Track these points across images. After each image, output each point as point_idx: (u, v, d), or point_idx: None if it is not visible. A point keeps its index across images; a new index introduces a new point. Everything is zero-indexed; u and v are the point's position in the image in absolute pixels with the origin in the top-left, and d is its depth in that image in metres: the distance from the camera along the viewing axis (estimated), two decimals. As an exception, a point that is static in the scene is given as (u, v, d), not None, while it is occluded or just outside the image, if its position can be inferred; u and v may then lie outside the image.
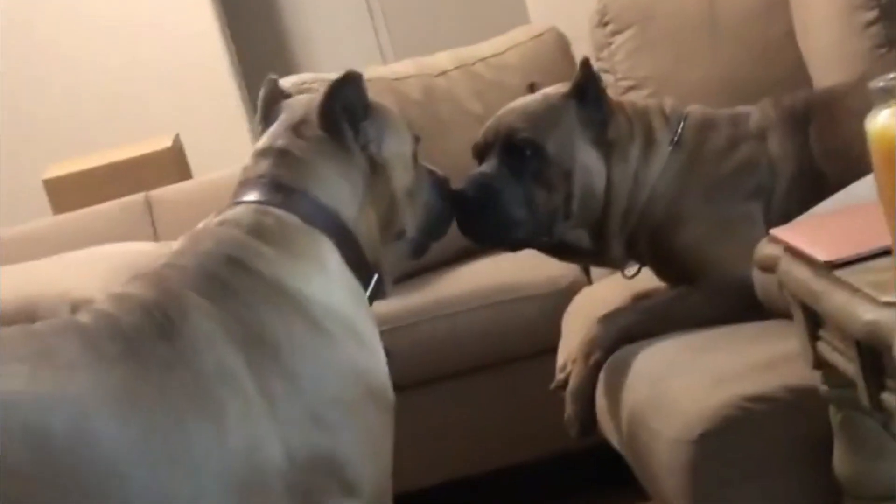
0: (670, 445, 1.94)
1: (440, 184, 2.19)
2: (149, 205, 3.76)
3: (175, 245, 1.96)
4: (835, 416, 1.67)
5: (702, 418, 1.89)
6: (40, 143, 5.27)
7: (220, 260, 1.86)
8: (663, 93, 2.96)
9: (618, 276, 2.49)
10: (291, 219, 1.92)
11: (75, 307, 3.07)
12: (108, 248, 3.41)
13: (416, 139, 2.14)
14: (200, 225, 1.97)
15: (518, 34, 3.67)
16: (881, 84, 1.30)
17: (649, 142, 2.37)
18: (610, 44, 3.31)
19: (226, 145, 5.13)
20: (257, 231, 1.90)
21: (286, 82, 3.18)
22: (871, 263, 1.41)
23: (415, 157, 2.12)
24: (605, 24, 3.33)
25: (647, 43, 3.22)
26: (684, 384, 2.01)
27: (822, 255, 1.46)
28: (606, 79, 3.30)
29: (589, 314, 2.49)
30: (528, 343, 3.01)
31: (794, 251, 1.57)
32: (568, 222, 2.34)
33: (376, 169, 2.02)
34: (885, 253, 1.38)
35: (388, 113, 2.09)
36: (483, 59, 3.59)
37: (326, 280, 1.91)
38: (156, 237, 3.66)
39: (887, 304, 1.27)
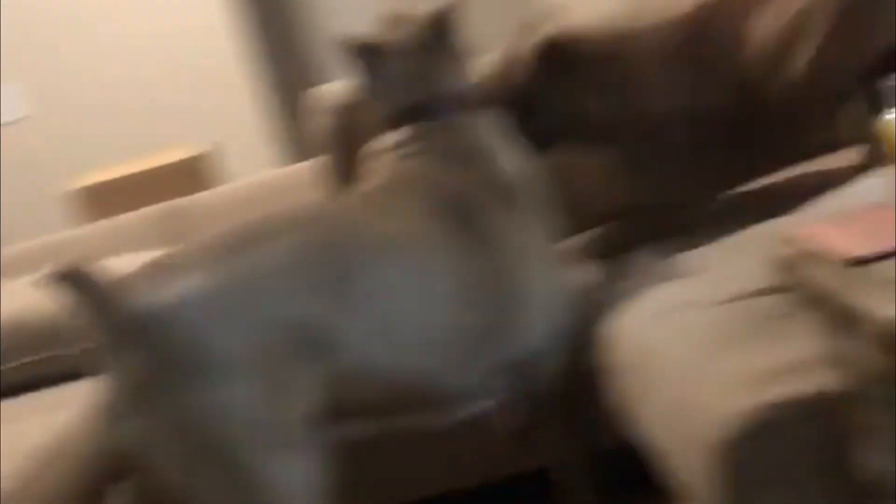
0: (703, 449, 1.93)
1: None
2: (175, 214, 3.77)
3: None
4: (861, 415, 1.67)
5: (730, 423, 1.88)
6: (69, 154, 5.31)
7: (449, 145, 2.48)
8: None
9: None
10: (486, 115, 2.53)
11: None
12: (136, 258, 3.43)
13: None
14: None
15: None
16: (890, 82, 1.30)
17: None
18: None
19: (252, 155, 5.16)
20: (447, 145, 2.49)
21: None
22: (893, 261, 1.41)
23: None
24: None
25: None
26: (711, 386, 2.01)
27: (844, 252, 1.46)
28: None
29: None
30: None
31: (814, 249, 1.57)
32: None
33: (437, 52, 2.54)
34: (907, 250, 1.38)
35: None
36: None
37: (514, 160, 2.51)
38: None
39: (910, 301, 1.27)
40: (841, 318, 1.57)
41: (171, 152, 4.44)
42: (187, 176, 4.21)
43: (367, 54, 2.52)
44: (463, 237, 2.34)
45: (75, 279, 2.01)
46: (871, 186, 1.72)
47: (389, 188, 2.43)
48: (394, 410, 2.30)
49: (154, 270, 2.11)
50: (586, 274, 2.74)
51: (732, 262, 2.54)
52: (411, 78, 2.50)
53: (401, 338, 2.22)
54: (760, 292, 2.28)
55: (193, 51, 5.43)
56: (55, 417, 2.61)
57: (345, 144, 3.12)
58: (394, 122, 2.52)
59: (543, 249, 2.47)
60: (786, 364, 1.96)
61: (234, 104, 5.45)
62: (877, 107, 1.30)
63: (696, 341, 2.20)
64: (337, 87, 3.26)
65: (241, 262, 2.11)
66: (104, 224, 3.82)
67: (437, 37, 2.50)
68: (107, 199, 4.12)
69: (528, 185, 2.49)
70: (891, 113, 1.28)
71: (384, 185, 2.44)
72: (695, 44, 2.82)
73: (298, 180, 3.60)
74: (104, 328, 2.01)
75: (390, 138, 2.51)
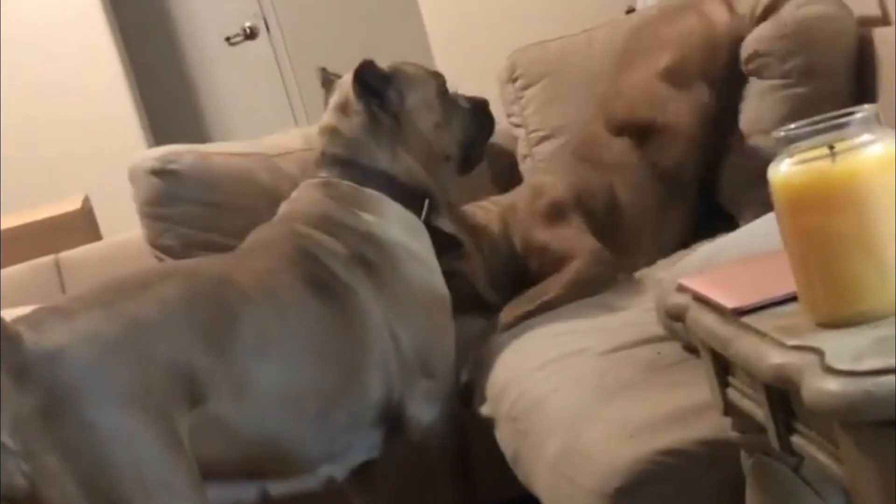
0: (588, 498, 1.95)
1: (475, 104, 2.80)
2: (58, 267, 3.72)
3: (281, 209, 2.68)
4: (746, 461, 1.69)
5: (617, 472, 1.91)
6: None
7: (304, 221, 2.57)
8: (577, 141, 3.05)
9: None
10: (347, 185, 2.61)
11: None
12: (17, 312, 3.36)
13: (438, 77, 2.75)
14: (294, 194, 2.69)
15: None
16: (783, 133, 1.33)
17: None
18: (520, 98, 3.35)
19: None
20: (329, 196, 2.60)
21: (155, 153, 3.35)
22: (777, 309, 1.44)
23: (440, 93, 2.72)
24: (515, 80, 3.37)
25: (558, 95, 3.28)
26: (598, 435, 2.03)
27: (729, 303, 1.49)
28: (517, 132, 3.35)
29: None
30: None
31: (701, 299, 1.59)
32: None
33: (402, 119, 2.65)
34: (791, 299, 1.41)
35: (405, 72, 2.72)
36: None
37: (385, 223, 2.58)
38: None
39: (795, 348, 1.30)
40: (728, 367, 1.60)
41: (55, 205, 4.37)
42: (72, 228, 4.15)
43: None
44: (324, 297, 2.42)
45: None
46: (759, 234, 1.76)
47: (265, 246, 2.53)
48: (255, 471, 2.31)
49: (44, 314, 2.15)
50: (474, 327, 2.77)
51: (623, 310, 2.58)
52: (355, 136, 2.65)
53: (262, 392, 2.26)
54: (648, 341, 2.31)
55: (80, 102, 5.38)
56: None
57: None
58: (319, 164, 2.68)
59: (417, 310, 2.55)
60: (672, 412, 1.99)
61: (119, 156, 5.38)
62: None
63: (583, 390, 2.22)
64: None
65: (130, 305, 2.17)
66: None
67: (399, 120, 2.65)
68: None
69: (413, 258, 2.60)
70: (784, 162, 1.31)
71: (261, 242, 2.56)
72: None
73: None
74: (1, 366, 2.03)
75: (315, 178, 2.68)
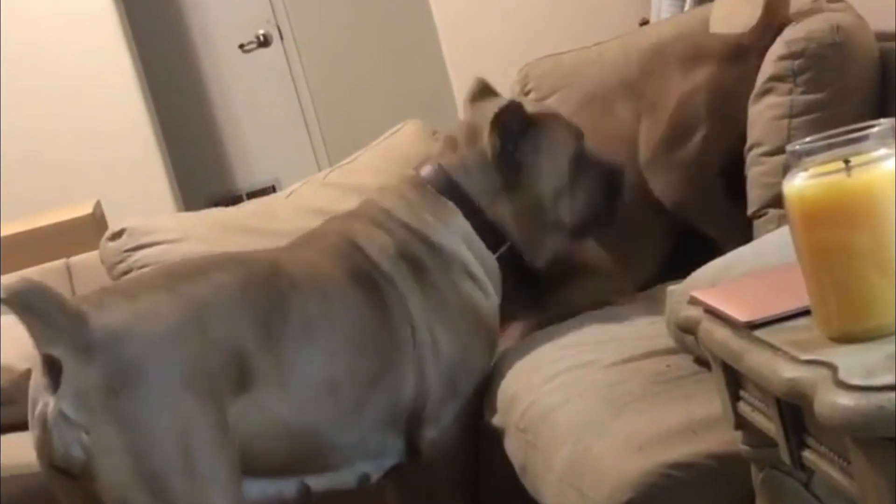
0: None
1: (608, 172, 2.73)
2: (69, 272, 3.73)
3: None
4: (756, 476, 1.69)
5: (627, 485, 1.91)
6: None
7: (377, 209, 2.65)
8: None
9: None
10: (437, 196, 2.65)
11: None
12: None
13: (579, 137, 2.71)
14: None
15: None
16: (797, 146, 1.33)
17: None
18: None
19: (147, 213, 5.10)
20: (408, 194, 2.67)
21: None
22: (790, 323, 1.43)
23: (576, 157, 2.69)
24: (527, 93, 3.36)
25: (570, 108, 3.27)
26: (607, 447, 2.03)
27: (741, 316, 1.48)
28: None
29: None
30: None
31: (714, 313, 1.59)
32: None
33: (524, 174, 2.65)
34: (804, 313, 1.41)
35: (548, 129, 2.69)
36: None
37: (448, 232, 2.62)
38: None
39: (808, 362, 1.29)
40: (740, 380, 1.60)
41: (67, 209, 4.38)
42: (83, 233, 4.16)
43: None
44: (366, 289, 2.49)
45: (29, 295, 2.08)
46: (772, 247, 1.76)
47: (314, 238, 2.62)
48: (295, 462, 2.38)
49: (106, 295, 2.23)
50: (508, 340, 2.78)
51: (632, 322, 2.57)
52: (468, 163, 2.68)
53: (304, 379, 2.35)
54: (657, 353, 2.31)
55: (94, 108, 5.39)
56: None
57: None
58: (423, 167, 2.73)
59: (459, 324, 2.58)
60: (682, 425, 1.99)
61: (132, 163, 5.41)
62: (785, 170, 1.33)
63: (592, 402, 2.21)
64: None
65: (190, 289, 2.26)
66: (-4, 280, 3.75)
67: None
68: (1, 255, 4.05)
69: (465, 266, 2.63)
70: (798, 175, 1.31)
71: (314, 234, 2.64)
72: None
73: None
74: (57, 343, 2.10)
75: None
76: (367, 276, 2.51)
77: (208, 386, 2.18)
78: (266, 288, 2.36)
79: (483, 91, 2.79)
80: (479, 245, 2.65)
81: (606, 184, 2.73)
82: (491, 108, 2.66)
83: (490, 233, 2.65)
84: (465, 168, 2.67)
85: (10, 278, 3.70)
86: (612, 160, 2.75)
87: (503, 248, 2.66)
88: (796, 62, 2.66)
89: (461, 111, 5.00)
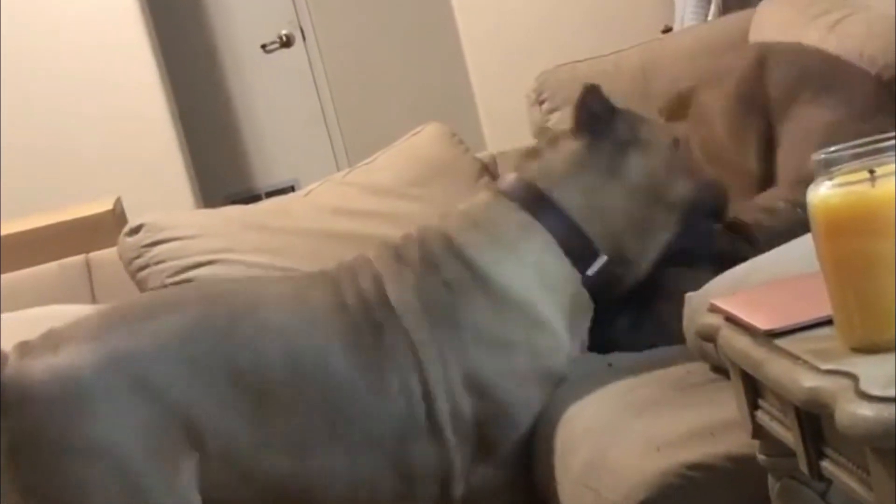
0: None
1: (706, 189, 2.42)
2: (88, 267, 3.73)
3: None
4: (773, 485, 1.68)
5: (643, 485, 1.91)
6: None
7: (439, 236, 2.34)
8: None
9: None
10: (518, 213, 2.35)
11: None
12: (46, 310, 3.38)
13: (675, 142, 2.42)
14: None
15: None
16: (823, 156, 1.32)
17: None
18: (547, 122, 3.34)
19: (166, 211, 5.11)
20: (481, 218, 2.36)
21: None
22: (811, 333, 1.42)
23: (670, 156, 2.39)
24: (542, 103, 3.36)
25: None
26: (626, 448, 2.03)
27: (762, 324, 1.48)
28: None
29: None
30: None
31: (734, 320, 1.58)
32: None
33: (613, 162, 2.35)
34: (826, 322, 1.40)
35: (636, 117, 2.41)
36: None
37: (518, 269, 2.29)
38: (94, 300, 3.63)
39: (829, 372, 1.29)
40: (758, 389, 1.59)
41: (87, 205, 4.39)
42: (103, 229, 4.17)
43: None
44: (361, 354, 2.22)
45: None
46: (794, 256, 1.75)
47: (325, 275, 2.36)
48: None
49: (41, 340, 2.09)
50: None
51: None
52: (554, 164, 2.40)
53: (267, 449, 2.15)
54: (677, 359, 2.30)
55: (115, 105, 5.40)
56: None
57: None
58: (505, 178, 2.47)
59: (497, 370, 2.28)
60: (700, 427, 1.99)
61: (152, 159, 5.42)
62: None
63: (610, 406, 2.22)
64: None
65: (121, 339, 2.08)
66: (17, 275, 3.76)
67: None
68: (20, 249, 4.07)
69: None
70: (823, 184, 1.30)
71: (340, 267, 2.37)
72: None
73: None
74: None
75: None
76: (373, 333, 2.22)
77: (133, 441, 1.99)
78: (218, 335, 2.13)
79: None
80: (556, 271, 2.33)
81: (707, 200, 2.45)
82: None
83: (582, 248, 2.35)
84: (552, 174, 2.39)
85: (5, 280, 3.72)
86: (710, 176, 2.49)
87: (598, 264, 2.36)
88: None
89: (482, 113, 5.05)
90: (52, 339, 2.09)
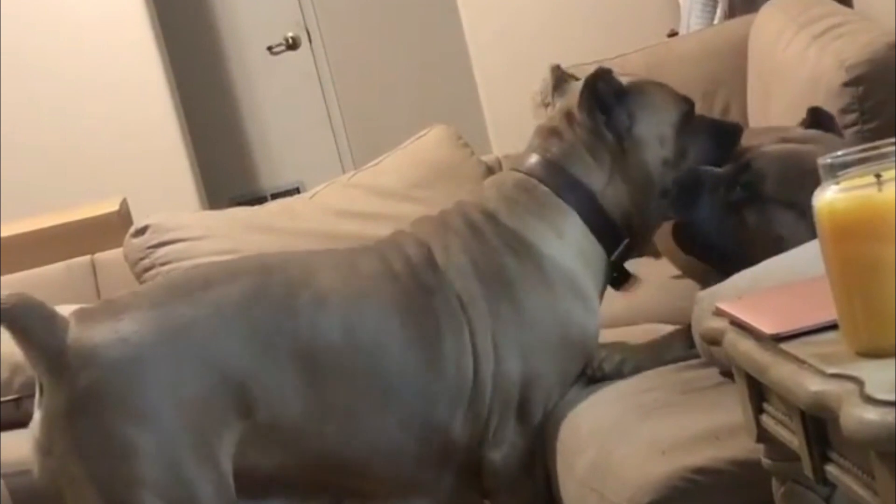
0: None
1: (720, 132, 2.42)
2: (94, 267, 3.74)
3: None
4: (777, 489, 1.68)
5: (649, 488, 1.91)
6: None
7: (478, 209, 2.37)
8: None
9: None
10: (544, 189, 2.37)
11: (17, 370, 3.05)
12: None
13: (683, 105, 2.41)
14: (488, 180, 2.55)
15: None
16: (829, 160, 1.32)
17: None
18: None
19: (172, 211, 5.12)
20: (515, 194, 2.38)
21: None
22: (816, 337, 1.43)
23: (681, 124, 2.39)
24: (547, 105, 3.36)
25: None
26: (631, 451, 2.03)
27: (767, 328, 1.48)
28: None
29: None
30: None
31: (739, 324, 1.58)
32: None
33: (626, 145, 2.36)
34: (831, 327, 1.40)
35: (644, 94, 2.41)
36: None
37: (560, 243, 2.33)
38: (99, 300, 3.63)
39: (834, 376, 1.29)
40: (763, 393, 1.59)
41: (93, 206, 4.40)
42: (108, 230, 4.17)
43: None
44: (414, 321, 2.24)
45: (14, 310, 2.00)
46: (802, 260, 1.76)
47: (378, 247, 2.37)
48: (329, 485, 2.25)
49: (100, 307, 2.13)
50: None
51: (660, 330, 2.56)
52: (573, 144, 2.40)
53: (320, 412, 2.17)
54: (686, 363, 2.30)
55: (121, 106, 5.41)
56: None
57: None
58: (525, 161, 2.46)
59: (541, 339, 2.31)
60: (706, 431, 1.99)
61: (158, 161, 5.43)
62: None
63: (617, 408, 2.22)
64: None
65: (180, 308, 2.11)
66: (23, 275, 3.77)
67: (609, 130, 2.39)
68: (26, 250, 4.07)
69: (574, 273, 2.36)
70: (829, 188, 1.30)
71: (385, 241, 2.40)
72: None
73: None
74: (37, 363, 2.02)
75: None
76: (424, 298, 2.25)
77: (186, 415, 2.03)
78: (276, 306, 2.16)
79: (563, 77, 2.56)
80: (592, 250, 2.37)
81: (717, 142, 2.42)
82: (576, 87, 2.44)
83: (607, 231, 2.37)
84: (574, 152, 2.39)
85: (11, 279, 3.72)
86: (728, 120, 2.49)
87: (621, 248, 2.38)
88: None
89: (487, 116, 5.05)
90: (113, 307, 2.11)
